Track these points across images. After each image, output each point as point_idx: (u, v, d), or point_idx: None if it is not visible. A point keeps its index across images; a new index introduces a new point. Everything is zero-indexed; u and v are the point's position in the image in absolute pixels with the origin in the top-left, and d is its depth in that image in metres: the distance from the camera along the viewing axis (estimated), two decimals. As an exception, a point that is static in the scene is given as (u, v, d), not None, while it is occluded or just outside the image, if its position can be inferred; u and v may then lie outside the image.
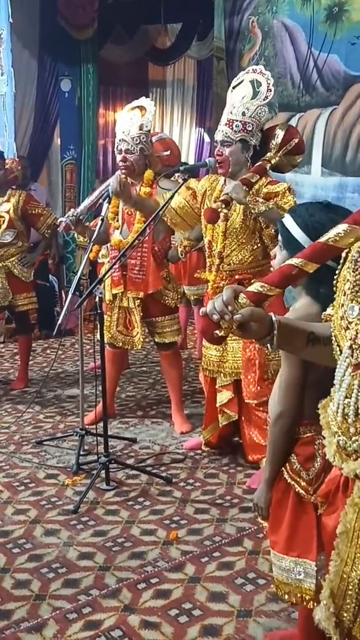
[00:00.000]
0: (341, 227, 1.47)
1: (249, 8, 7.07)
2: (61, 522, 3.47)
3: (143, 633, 2.63)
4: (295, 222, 2.13)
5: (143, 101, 4.48)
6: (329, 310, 1.68)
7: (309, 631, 2.13)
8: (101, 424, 3.92)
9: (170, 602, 2.82)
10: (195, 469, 4.06)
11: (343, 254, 1.56)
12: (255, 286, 1.52)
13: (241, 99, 3.74)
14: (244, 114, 3.71)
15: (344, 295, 1.53)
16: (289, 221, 2.16)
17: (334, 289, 1.60)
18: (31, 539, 3.32)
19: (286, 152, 3.64)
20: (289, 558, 2.14)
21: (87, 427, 4.31)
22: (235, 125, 3.72)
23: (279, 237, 2.22)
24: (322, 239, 1.49)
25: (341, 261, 1.58)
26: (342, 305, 1.53)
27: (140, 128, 4.34)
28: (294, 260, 1.50)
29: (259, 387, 3.75)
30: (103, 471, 3.82)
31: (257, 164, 3.63)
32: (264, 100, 3.72)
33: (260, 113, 3.73)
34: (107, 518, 3.51)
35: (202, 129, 10.27)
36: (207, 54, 9.00)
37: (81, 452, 4.13)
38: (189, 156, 10.34)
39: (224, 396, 3.96)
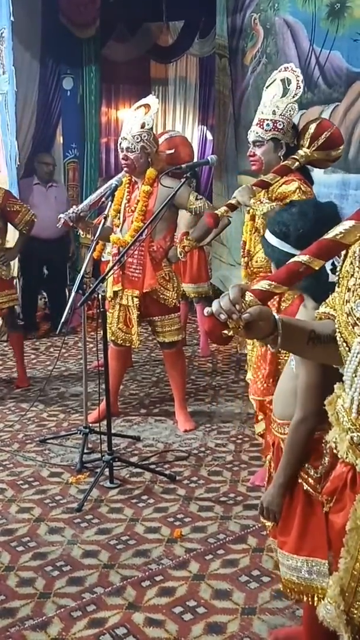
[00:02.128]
0: (347, 224, 1.46)
1: (250, 5, 7.07)
2: (65, 520, 3.47)
3: (147, 631, 2.64)
4: (269, 231, 2.20)
5: (149, 99, 4.47)
6: (322, 309, 1.66)
7: (314, 628, 2.12)
8: (105, 422, 3.92)
9: (174, 599, 2.83)
10: (199, 467, 4.06)
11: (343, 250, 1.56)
12: (262, 284, 1.49)
13: (272, 97, 3.71)
14: (274, 112, 3.68)
15: (349, 291, 1.52)
16: (267, 233, 2.22)
17: (336, 285, 1.59)
18: (35, 537, 3.32)
19: (318, 147, 3.57)
20: (299, 557, 2.12)
21: (90, 425, 4.31)
22: (266, 125, 3.69)
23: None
24: (329, 235, 1.48)
25: (342, 258, 1.57)
26: (348, 301, 1.52)
27: (142, 126, 4.34)
28: (301, 257, 1.48)
29: (266, 385, 3.72)
30: (107, 469, 3.83)
31: (281, 164, 3.59)
32: (293, 97, 3.69)
33: (290, 110, 3.68)
34: (111, 516, 3.51)
35: (205, 127, 10.26)
36: (209, 52, 9.02)
37: (85, 450, 4.14)
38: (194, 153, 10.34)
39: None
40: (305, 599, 2.16)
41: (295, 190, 3.53)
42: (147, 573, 3.01)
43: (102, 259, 5.96)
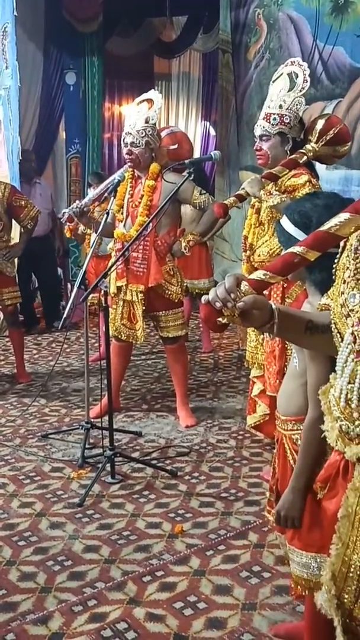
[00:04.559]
0: (342, 216, 1.49)
1: (254, 0, 7.06)
2: (67, 515, 3.48)
3: (148, 625, 2.64)
4: (288, 219, 2.17)
5: (151, 94, 4.47)
6: (323, 300, 1.69)
7: (316, 624, 2.12)
8: (106, 418, 3.93)
9: (175, 594, 2.83)
10: (200, 463, 4.07)
11: (342, 243, 1.57)
12: (258, 274, 1.54)
13: (278, 92, 3.71)
14: (280, 106, 3.68)
15: (344, 283, 1.55)
16: (284, 220, 2.20)
17: (333, 276, 1.60)
18: (37, 531, 3.33)
19: (326, 142, 3.58)
20: (309, 554, 2.11)
21: (92, 420, 4.32)
22: (273, 119, 3.69)
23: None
24: (324, 228, 1.50)
25: (339, 250, 1.59)
26: (343, 293, 1.55)
27: (146, 121, 4.33)
28: (296, 249, 1.52)
29: (277, 381, 3.74)
30: (108, 464, 3.83)
31: (289, 157, 3.60)
32: (300, 91, 3.68)
33: (297, 105, 3.69)
34: (113, 511, 3.52)
35: (208, 122, 10.25)
36: (212, 47, 9.00)
37: (86, 446, 4.14)
38: (194, 149, 10.33)
39: (255, 388, 3.97)
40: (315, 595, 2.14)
41: (305, 183, 3.54)
42: (148, 568, 3.01)
43: (99, 255, 5.96)
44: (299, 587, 2.16)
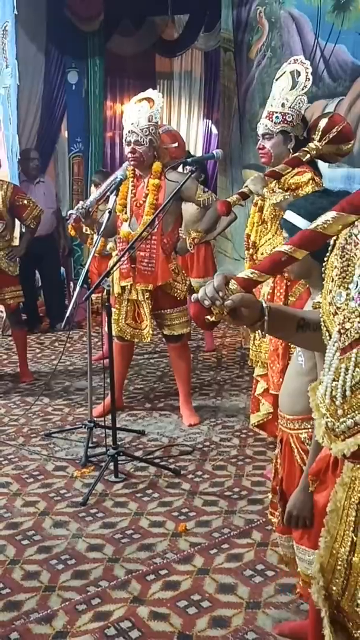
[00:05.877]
0: (329, 215, 1.50)
1: (256, -2, 7.05)
2: (70, 514, 3.48)
3: (152, 624, 2.64)
4: (298, 214, 2.15)
5: (150, 93, 4.46)
6: (317, 298, 1.70)
7: (319, 621, 2.12)
8: (109, 417, 3.93)
9: (179, 593, 2.83)
10: (203, 461, 4.07)
11: (331, 241, 1.58)
12: (246, 272, 1.56)
13: (281, 90, 3.72)
14: (283, 105, 3.69)
15: (332, 281, 1.57)
16: (290, 214, 2.18)
17: (323, 275, 1.62)
18: (40, 530, 3.33)
19: (329, 140, 3.58)
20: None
21: (95, 419, 4.32)
22: (275, 117, 3.70)
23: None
24: (311, 226, 1.51)
25: (329, 248, 1.60)
26: (330, 291, 1.56)
27: (149, 119, 4.32)
28: (284, 247, 1.54)
29: (281, 379, 3.74)
30: (111, 463, 3.83)
31: (293, 156, 3.60)
32: (302, 90, 3.69)
33: (299, 103, 3.69)
34: (116, 510, 3.52)
35: (210, 121, 10.24)
36: (214, 46, 9.00)
37: (90, 445, 4.15)
38: (196, 148, 10.32)
39: (259, 386, 3.97)
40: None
41: (308, 181, 3.55)
42: (151, 567, 3.01)
43: (104, 253, 5.96)
44: (305, 584, 2.17)
